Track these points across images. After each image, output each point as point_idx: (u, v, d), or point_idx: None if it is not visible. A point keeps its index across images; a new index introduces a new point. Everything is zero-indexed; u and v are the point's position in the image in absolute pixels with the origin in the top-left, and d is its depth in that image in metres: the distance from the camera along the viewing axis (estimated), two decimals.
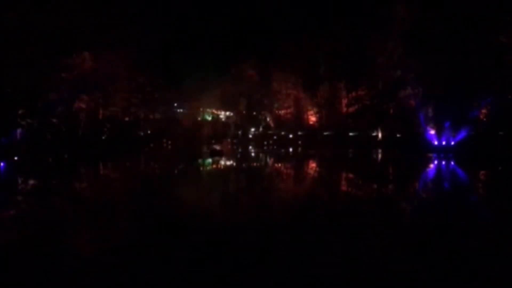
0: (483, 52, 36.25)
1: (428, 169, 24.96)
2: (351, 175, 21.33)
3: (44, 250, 6.55)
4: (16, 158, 29.21)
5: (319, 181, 18.87)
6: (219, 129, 67.31)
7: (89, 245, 7.06)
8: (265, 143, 60.46)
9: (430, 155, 36.03)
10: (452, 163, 28.78)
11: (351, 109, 55.14)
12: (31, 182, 16.85)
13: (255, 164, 28.43)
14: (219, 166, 25.29)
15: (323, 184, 17.65)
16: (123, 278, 5.28)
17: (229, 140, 62.31)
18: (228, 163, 28.10)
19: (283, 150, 45.66)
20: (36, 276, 5.34)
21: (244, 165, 27.25)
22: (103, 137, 48.03)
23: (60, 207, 11.05)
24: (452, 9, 37.04)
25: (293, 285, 5.07)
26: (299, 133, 62.08)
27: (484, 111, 39.28)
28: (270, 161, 30.82)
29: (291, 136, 62.91)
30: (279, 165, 27.92)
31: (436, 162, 29.37)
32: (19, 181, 17.29)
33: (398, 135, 48.10)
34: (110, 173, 22.19)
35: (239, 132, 68.77)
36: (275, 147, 53.43)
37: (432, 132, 42.13)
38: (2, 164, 24.25)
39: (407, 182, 18.69)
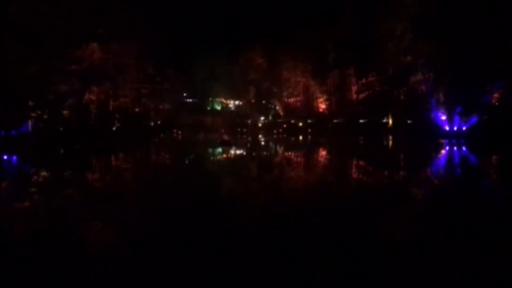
0: (495, 36, 35.76)
1: (441, 156, 24.81)
2: (364, 163, 21.24)
3: (60, 241, 6.61)
4: (27, 150, 29.43)
5: (333, 170, 18.84)
6: (228, 118, 67.32)
7: (105, 237, 7.13)
8: (275, 131, 60.41)
9: (442, 141, 35.81)
10: (464, 148, 28.57)
11: (361, 96, 54.75)
12: (44, 174, 16.98)
13: (265, 153, 28.42)
14: (229, 155, 25.32)
15: (337, 173, 17.60)
16: (142, 268, 5.33)
17: (238, 129, 62.38)
18: (239, 152, 28.14)
19: (293, 139, 45.63)
20: (53, 268, 5.39)
21: (254, 154, 27.26)
22: (114, 128, 48.40)
23: (76, 198, 11.14)
24: None
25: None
26: (309, 121, 61.85)
27: (496, 95, 38.84)
28: (280, 150, 30.80)
29: (301, 124, 62.72)
30: (290, 153, 27.88)
31: (448, 148, 29.18)
32: (32, 173, 17.43)
33: (409, 121, 47.75)
34: (123, 163, 22.31)
35: (249, 122, 68.72)
36: (285, 135, 53.39)
37: (443, 117, 41.80)
38: (14, 157, 24.49)
39: (422, 168, 18.60)
